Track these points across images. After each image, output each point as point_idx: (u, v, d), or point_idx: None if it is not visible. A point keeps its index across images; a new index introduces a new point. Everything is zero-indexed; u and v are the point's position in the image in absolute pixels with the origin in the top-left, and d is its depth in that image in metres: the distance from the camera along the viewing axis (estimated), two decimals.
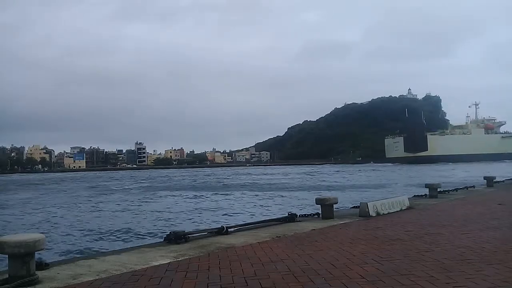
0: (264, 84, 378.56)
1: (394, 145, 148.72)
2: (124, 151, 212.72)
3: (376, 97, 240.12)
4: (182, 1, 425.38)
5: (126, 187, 47.50)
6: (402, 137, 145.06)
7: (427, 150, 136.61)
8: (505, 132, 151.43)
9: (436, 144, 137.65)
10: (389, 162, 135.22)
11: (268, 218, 10.21)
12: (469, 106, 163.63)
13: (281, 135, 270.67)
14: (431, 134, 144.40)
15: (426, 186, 15.04)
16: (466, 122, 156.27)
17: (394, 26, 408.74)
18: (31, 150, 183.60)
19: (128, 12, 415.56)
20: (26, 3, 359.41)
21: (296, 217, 9.65)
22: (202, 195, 31.39)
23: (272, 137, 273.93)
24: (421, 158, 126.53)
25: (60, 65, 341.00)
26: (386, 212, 10.40)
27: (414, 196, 15.19)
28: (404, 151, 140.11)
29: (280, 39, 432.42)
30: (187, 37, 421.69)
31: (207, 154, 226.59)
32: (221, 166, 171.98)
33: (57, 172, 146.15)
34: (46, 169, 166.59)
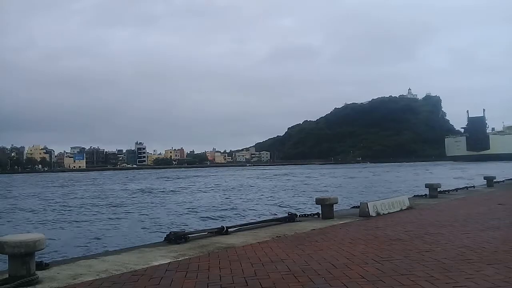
0: (258, 85, 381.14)
1: (456, 144, 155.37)
2: (124, 151, 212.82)
3: (376, 97, 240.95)
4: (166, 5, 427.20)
5: None
6: (464, 136, 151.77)
7: (489, 148, 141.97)
8: None
9: (498, 142, 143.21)
10: (450, 160, 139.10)
11: (268, 218, 10.22)
12: None
13: (281, 135, 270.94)
14: (492, 134, 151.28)
15: (426, 186, 15.05)
16: None
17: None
18: (31, 150, 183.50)
19: (112, 16, 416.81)
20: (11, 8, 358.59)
21: (296, 217, 9.66)
22: None
23: (272, 137, 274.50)
24: (484, 156, 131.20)
25: (58, 65, 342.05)
26: (386, 212, 10.41)
27: (414, 196, 15.22)
28: (467, 150, 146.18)
29: (258, 43, 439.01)
30: (176, 40, 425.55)
31: (207, 154, 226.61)
32: (221, 166, 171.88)
33: (58, 172, 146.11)
34: (46, 169, 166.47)
